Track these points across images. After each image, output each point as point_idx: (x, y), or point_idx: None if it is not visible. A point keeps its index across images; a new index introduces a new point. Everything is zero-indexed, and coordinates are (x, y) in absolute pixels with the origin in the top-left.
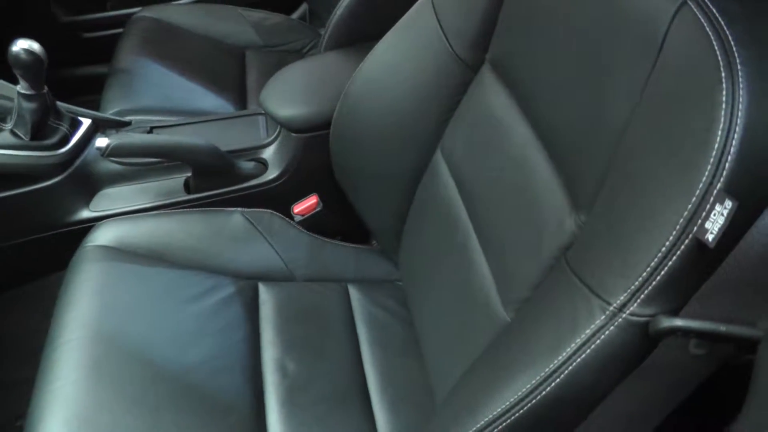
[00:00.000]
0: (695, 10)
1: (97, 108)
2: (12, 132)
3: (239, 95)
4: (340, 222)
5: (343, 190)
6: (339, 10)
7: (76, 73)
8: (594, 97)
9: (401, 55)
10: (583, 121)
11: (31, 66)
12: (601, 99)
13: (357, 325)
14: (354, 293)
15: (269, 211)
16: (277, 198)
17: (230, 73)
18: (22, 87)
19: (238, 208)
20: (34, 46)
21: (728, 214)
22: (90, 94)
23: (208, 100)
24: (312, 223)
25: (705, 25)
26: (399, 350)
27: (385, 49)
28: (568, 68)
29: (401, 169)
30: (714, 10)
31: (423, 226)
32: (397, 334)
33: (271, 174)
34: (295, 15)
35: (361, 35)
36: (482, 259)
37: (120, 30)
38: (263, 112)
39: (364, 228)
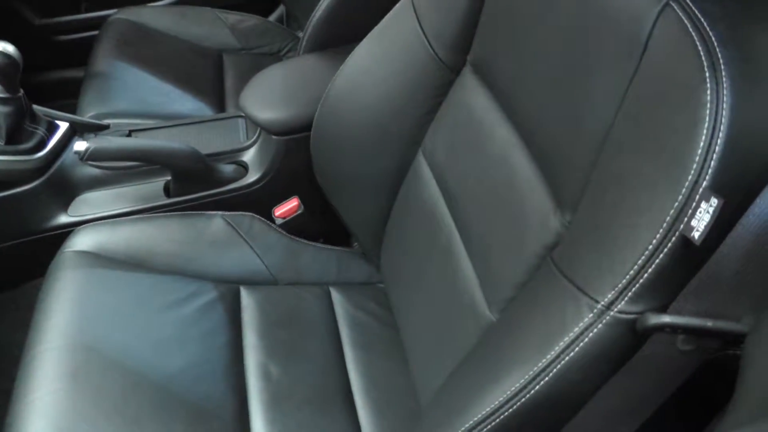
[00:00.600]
0: (678, 11)
1: (73, 112)
2: None
3: (217, 98)
4: (321, 224)
5: (324, 193)
6: (318, 12)
7: (51, 77)
8: (576, 98)
9: (381, 56)
10: (565, 121)
11: (5, 69)
12: (583, 99)
13: (340, 328)
14: (336, 296)
15: (250, 214)
16: (258, 201)
17: (207, 76)
18: None
19: (219, 212)
20: (9, 48)
21: (714, 211)
22: (66, 98)
23: (185, 103)
24: (293, 226)
25: (688, 26)
26: (383, 353)
27: (365, 51)
28: (550, 69)
29: (382, 171)
30: (696, 12)
31: (405, 228)
32: (381, 336)
33: (252, 177)
34: (271, 17)
35: (340, 37)
36: (466, 259)
37: (95, 32)
38: (242, 114)
39: (346, 230)
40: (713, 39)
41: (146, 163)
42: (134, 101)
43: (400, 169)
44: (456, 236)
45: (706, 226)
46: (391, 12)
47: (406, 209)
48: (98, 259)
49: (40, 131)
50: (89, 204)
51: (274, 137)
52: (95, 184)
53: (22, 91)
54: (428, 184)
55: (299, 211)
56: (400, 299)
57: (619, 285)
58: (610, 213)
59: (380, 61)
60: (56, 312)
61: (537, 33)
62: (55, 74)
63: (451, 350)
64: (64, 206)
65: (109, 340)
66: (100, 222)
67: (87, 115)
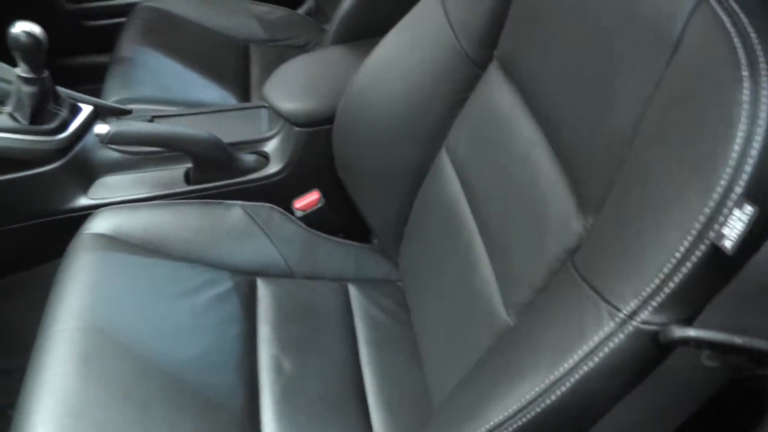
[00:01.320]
0: (715, 5)
1: (98, 96)
2: (10, 115)
3: (242, 88)
4: (341, 219)
5: (345, 187)
6: (344, 5)
7: (78, 61)
8: (604, 96)
9: (407, 49)
10: (591, 121)
11: (30, 49)
12: (611, 98)
13: (356, 325)
14: (353, 292)
15: (269, 205)
16: (277, 192)
17: (233, 66)
18: (21, 70)
19: (238, 201)
20: (34, 28)
21: (748, 220)
22: (92, 82)
23: (210, 91)
24: (313, 219)
25: (725, 21)
26: (397, 352)
27: (390, 43)
28: (578, 66)
29: (404, 166)
30: (734, 7)
31: (425, 226)
32: (396, 335)
33: (273, 168)
34: (300, 10)
35: (366, 30)
36: (485, 260)
37: (123, 19)
38: (266, 105)
39: (365, 226)
40: (752, 36)
41: (167, 149)
42: (158, 88)
43: (423, 166)
44: (476, 236)
45: (739, 236)
46: (418, 4)
47: (427, 206)
48: (115, 242)
49: (63, 113)
50: (109, 187)
51: (296, 128)
52: (116, 168)
53: (47, 72)
54: (450, 181)
55: (319, 205)
56: (416, 298)
57: (643, 293)
58: (636, 215)
59: (405, 54)
60: (71, 293)
61: (565, 29)
62: (82, 59)
63: (465, 352)
64: (84, 189)
65: (123, 324)
66: (119, 206)
67: (111, 100)
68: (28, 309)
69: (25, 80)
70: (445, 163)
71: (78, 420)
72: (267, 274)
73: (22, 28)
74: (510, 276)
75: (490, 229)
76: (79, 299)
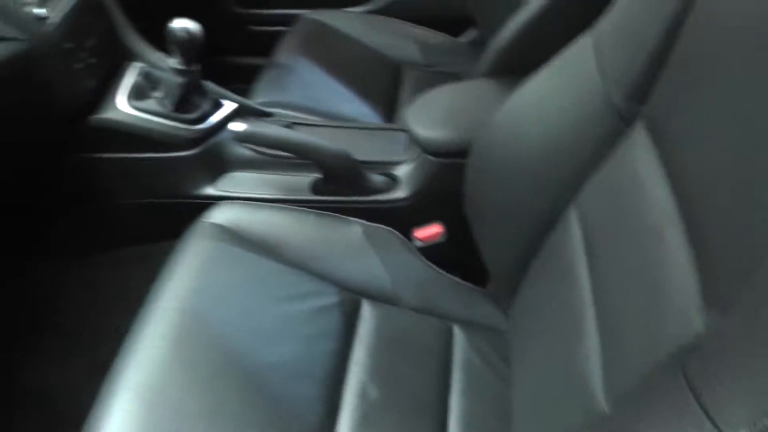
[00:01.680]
0: None
1: (245, 96)
2: (158, 100)
3: (387, 108)
4: (459, 257)
5: (468, 225)
6: (500, 38)
7: (235, 61)
8: (759, 187)
9: (553, 92)
10: (739, 204)
11: (185, 43)
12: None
13: (452, 369)
14: (458, 335)
15: (389, 229)
16: (400, 218)
17: (383, 85)
18: (174, 62)
19: (359, 220)
20: (192, 26)
21: None
22: (243, 82)
23: (354, 106)
24: (431, 252)
25: None
26: (488, 407)
27: (536, 83)
28: (736, 147)
29: (531, 214)
30: None
31: (541, 281)
32: (492, 389)
33: (400, 193)
34: (462, 38)
35: (518, 66)
36: (594, 332)
37: (285, 28)
38: (405, 129)
39: (483, 268)
40: None
41: (298, 156)
42: (304, 96)
43: (549, 217)
44: (590, 306)
45: None
46: (571, 47)
47: (548, 262)
48: (232, 235)
49: (206, 106)
50: (236, 182)
51: (430, 157)
52: (246, 165)
53: (198, 66)
54: (574, 241)
55: (441, 239)
56: (519, 355)
57: (758, 424)
58: (766, 329)
59: (550, 97)
60: (180, 275)
61: (730, 100)
62: (239, 59)
63: (555, 427)
64: (212, 179)
65: (220, 314)
66: (242, 201)
67: (256, 101)
68: (141, 281)
69: (176, 71)
70: (572, 219)
71: (155, 397)
72: (373, 297)
73: (180, 23)
74: (616, 357)
75: (605, 301)
76: (186, 282)
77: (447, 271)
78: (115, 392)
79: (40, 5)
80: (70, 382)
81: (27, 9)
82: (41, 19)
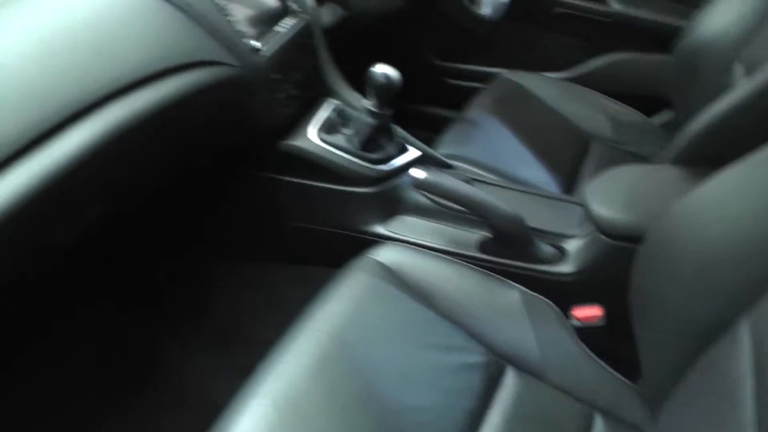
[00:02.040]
0: None
1: (430, 145)
2: (346, 137)
3: (568, 179)
4: (614, 345)
5: (629, 315)
6: (695, 125)
7: (427, 110)
8: None
9: (743, 192)
10: None
11: (382, 87)
12: None
13: None
14: (598, 425)
15: (548, 301)
16: (561, 292)
17: (568, 155)
18: (368, 103)
19: (519, 286)
20: (391, 72)
21: None
22: (430, 131)
23: (535, 172)
24: (586, 334)
25: None
26: None
27: (726, 179)
28: None
29: (699, 319)
30: None
31: (699, 394)
32: None
33: (566, 267)
34: (655, 119)
35: (709, 157)
36: None
37: (480, 84)
38: (584, 203)
39: (636, 362)
40: None
41: (471, 212)
42: (487, 154)
43: (716, 328)
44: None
45: None
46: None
47: (708, 372)
48: (393, 276)
49: (391, 149)
50: (406, 226)
51: (603, 237)
52: (418, 211)
53: (391, 110)
54: (742, 356)
55: (598, 322)
56: None
57: None
58: None
59: (739, 196)
60: (336, 302)
61: None
62: (431, 109)
63: None
64: (384, 219)
65: (367, 347)
66: (408, 246)
67: (440, 152)
68: (302, 301)
69: (369, 112)
70: (743, 333)
71: (290, 406)
72: (519, 366)
73: (381, 69)
74: None
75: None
76: (341, 310)
77: (598, 357)
78: (253, 396)
79: (257, 38)
80: (206, 376)
81: (245, 40)
82: (255, 50)
